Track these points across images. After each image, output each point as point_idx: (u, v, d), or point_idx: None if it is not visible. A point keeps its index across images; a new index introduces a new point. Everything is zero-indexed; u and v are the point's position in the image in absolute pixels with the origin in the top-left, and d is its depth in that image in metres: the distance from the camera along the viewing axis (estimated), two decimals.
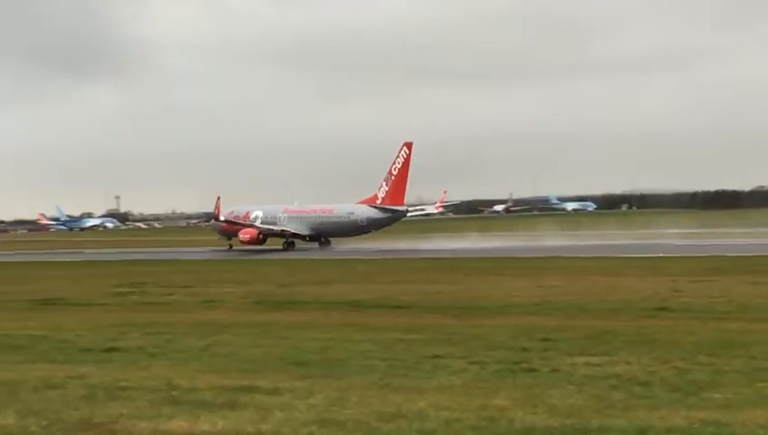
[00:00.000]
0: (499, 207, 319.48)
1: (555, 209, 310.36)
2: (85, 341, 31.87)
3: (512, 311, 40.12)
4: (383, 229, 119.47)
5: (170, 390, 21.71)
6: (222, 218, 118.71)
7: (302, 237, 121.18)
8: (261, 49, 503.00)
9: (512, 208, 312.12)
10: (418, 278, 60.63)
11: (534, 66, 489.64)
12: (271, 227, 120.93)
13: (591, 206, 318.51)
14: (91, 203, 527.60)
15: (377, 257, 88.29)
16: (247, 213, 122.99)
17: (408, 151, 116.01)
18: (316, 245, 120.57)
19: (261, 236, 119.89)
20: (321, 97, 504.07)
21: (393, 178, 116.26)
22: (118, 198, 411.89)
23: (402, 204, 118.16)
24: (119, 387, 22.16)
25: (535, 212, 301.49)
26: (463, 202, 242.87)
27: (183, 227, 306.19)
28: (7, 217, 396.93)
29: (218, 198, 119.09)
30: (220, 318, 39.37)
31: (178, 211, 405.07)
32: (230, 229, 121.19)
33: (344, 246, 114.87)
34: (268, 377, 23.48)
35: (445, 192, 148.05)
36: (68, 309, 46.03)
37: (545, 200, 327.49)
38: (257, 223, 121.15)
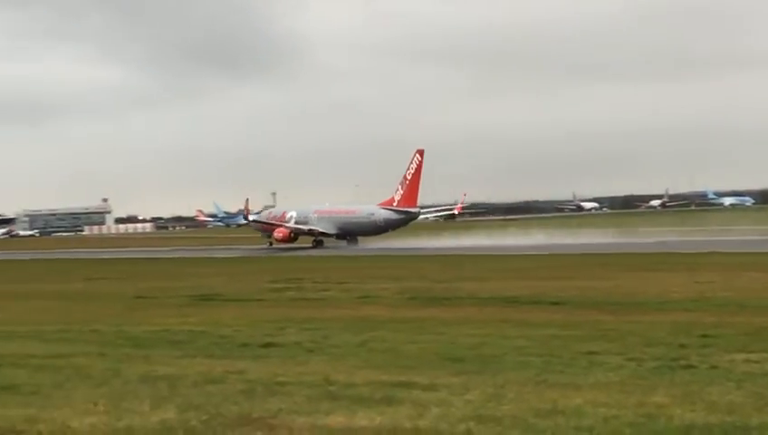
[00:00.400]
0: (655, 203, 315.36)
1: (712, 205, 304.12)
2: (243, 336, 32.33)
3: (668, 307, 39.34)
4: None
5: (328, 385, 21.92)
6: (251, 218, 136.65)
7: (330, 236, 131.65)
8: (417, 45, 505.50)
9: (668, 204, 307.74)
10: (573, 274, 59.99)
11: (691, 61, 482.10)
12: (301, 226, 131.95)
13: (749, 201, 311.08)
14: (250, 200, 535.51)
15: (532, 253, 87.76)
16: (284, 213, 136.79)
17: (420, 158, 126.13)
18: (344, 243, 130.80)
19: (292, 234, 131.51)
20: (476, 93, 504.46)
21: (407, 182, 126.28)
22: (274, 194, 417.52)
23: (415, 206, 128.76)
24: (277, 382, 22.44)
25: (692, 207, 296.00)
26: (617, 197, 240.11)
27: None
28: (166, 214, 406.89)
29: (247, 200, 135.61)
30: (376, 314, 39.55)
31: None
32: (268, 228, 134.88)
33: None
34: (424, 373, 23.53)
35: (464, 194, 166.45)
36: (226, 305, 46.77)
37: (702, 196, 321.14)
38: (291, 223, 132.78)
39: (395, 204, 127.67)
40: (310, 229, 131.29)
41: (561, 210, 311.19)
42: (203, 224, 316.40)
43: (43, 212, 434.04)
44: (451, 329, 33.17)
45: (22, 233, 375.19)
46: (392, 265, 78.13)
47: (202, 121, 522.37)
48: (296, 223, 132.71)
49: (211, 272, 77.71)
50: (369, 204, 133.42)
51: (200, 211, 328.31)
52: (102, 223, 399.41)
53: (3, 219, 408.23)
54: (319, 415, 18.83)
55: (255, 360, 26.54)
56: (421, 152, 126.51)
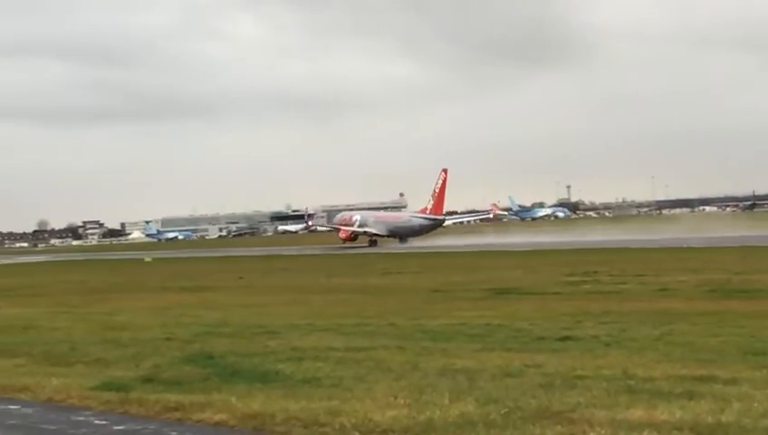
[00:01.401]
0: None
1: None
2: (540, 330, 32.17)
3: None
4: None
5: (626, 379, 21.52)
6: (310, 223, 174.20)
7: (382, 237, 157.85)
8: (719, 33, 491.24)
9: None
10: None
11: None
12: (358, 229, 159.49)
13: None
14: (543, 193, 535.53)
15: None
16: (351, 217, 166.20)
17: (444, 175, 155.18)
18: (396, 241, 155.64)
19: (353, 235, 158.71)
20: None
21: (436, 195, 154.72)
22: (569, 187, 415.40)
23: (441, 214, 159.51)
24: (575, 376, 22.18)
25: None
26: None
27: (633, 216, 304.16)
28: (460, 208, 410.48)
29: (306, 209, 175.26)
30: (674, 307, 38.67)
31: (629, 199, 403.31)
32: (337, 230, 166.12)
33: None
34: (725, 367, 22.80)
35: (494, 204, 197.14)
36: (522, 298, 46.72)
37: None
38: (356, 226, 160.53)
39: (427, 212, 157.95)
40: (365, 231, 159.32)
41: None
42: (498, 218, 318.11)
43: (340, 207, 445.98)
44: (752, 322, 32.03)
45: (320, 229, 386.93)
46: (689, 257, 76.26)
47: (498, 113, 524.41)
48: (359, 226, 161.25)
49: (508, 265, 77.89)
50: (411, 213, 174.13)
51: (495, 205, 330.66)
52: None
53: (301, 215, 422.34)
54: (618, 409, 18.50)
55: (553, 353, 26.33)
56: (446, 171, 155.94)
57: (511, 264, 79.33)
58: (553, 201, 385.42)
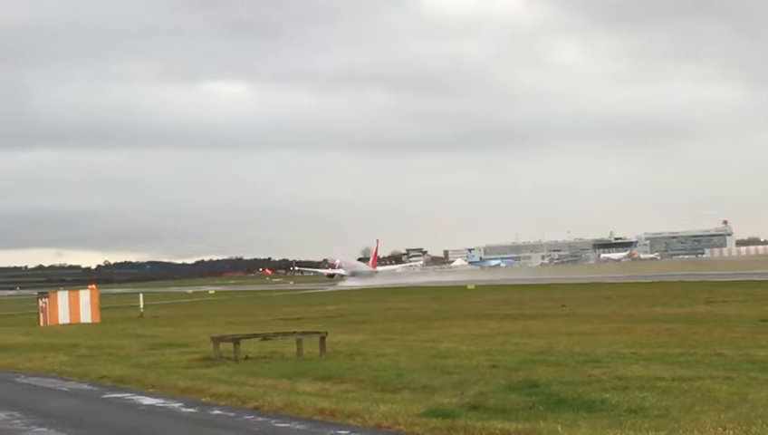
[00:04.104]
0: None
1: None
2: None
3: None
4: None
5: None
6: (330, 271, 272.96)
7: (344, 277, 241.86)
8: None
9: None
10: None
11: None
12: (335, 271, 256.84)
13: None
14: None
15: None
16: (335, 261, 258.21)
17: (377, 243, 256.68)
18: None
19: (330, 275, 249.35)
20: None
21: (374, 254, 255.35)
22: None
23: (375, 266, 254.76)
24: None
25: None
26: None
27: None
28: None
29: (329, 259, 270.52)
30: None
31: None
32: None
33: None
34: None
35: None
36: None
37: None
38: (336, 268, 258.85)
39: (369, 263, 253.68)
40: (336, 273, 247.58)
41: None
42: None
43: (663, 235, 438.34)
44: None
45: (642, 256, 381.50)
46: None
47: None
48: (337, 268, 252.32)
49: None
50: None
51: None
52: (723, 245, 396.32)
53: (624, 242, 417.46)
54: None
55: None
56: (377, 241, 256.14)
57: None
58: None
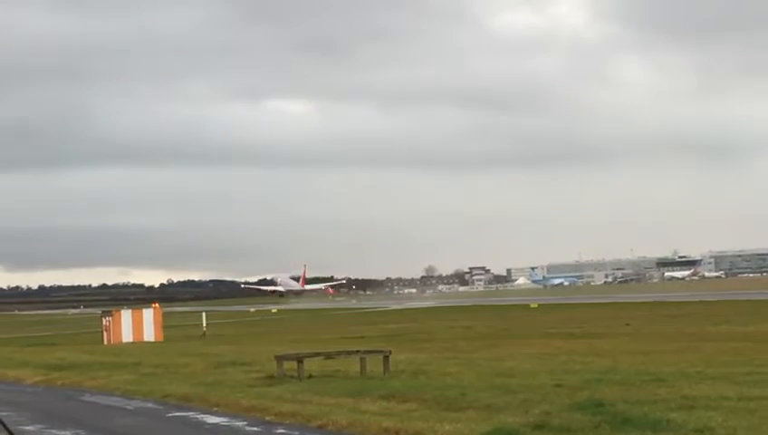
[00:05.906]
0: None
1: None
2: None
3: None
4: None
5: None
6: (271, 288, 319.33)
7: (282, 295, 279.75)
8: None
9: None
10: None
11: None
12: (274, 287, 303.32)
13: None
14: None
15: None
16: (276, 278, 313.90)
17: (305, 268, 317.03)
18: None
19: (272, 292, 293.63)
20: None
21: (303, 275, 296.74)
22: None
23: (303, 285, 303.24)
24: None
25: None
26: None
27: None
28: None
29: (305, 266, 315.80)
30: None
31: None
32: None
33: None
34: None
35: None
36: None
37: None
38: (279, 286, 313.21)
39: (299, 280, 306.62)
40: (276, 290, 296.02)
41: None
42: None
43: (728, 253, 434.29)
44: None
45: (707, 274, 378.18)
46: None
47: None
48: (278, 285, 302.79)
49: None
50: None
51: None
52: None
53: (688, 261, 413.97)
54: None
55: None
56: (305, 266, 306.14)
57: None
58: None
